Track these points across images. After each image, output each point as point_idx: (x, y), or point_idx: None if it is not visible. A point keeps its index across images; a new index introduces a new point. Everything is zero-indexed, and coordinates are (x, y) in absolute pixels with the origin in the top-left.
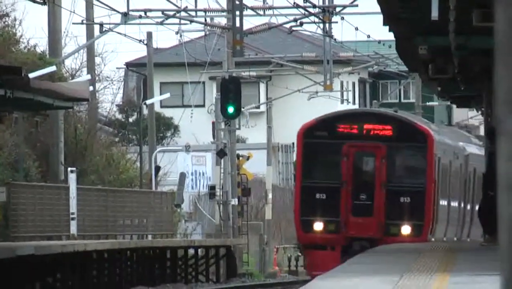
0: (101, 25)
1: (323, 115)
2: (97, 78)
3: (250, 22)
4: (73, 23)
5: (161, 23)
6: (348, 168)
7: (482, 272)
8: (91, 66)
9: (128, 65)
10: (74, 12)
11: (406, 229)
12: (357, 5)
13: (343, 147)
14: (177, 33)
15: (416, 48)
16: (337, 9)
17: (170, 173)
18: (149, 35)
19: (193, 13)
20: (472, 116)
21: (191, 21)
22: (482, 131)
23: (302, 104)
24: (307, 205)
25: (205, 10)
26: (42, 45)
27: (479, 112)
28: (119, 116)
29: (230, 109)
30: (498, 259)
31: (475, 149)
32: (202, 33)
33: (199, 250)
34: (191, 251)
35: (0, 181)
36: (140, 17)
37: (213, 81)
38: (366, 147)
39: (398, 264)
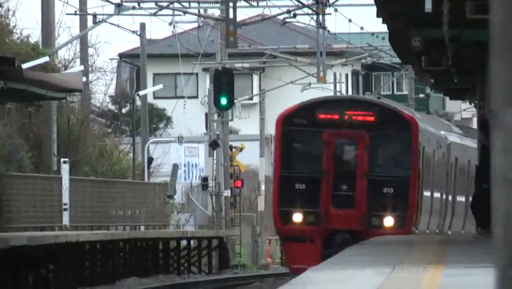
0: (95, 16)
1: (303, 101)
2: (90, 69)
3: (243, 13)
4: (67, 14)
5: (155, 14)
6: (329, 157)
7: (475, 264)
8: (84, 57)
9: (121, 56)
10: (67, 3)
11: (389, 221)
12: None
13: (324, 135)
14: (170, 24)
15: (409, 40)
16: (331, 1)
17: (163, 164)
18: (143, 26)
19: (186, 4)
20: (465, 108)
21: (185, 12)
22: (475, 124)
23: (295, 96)
24: (285, 195)
25: (198, 1)
26: (35, 36)
27: (472, 105)
28: (112, 107)
29: (223, 101)
30: (491, 252)
31: (456, 138)
32: (196, 24)
33: (192, 241)
34: (184, 242)
35: None
36: (134, 8)
37: (206, 73)
38: (348, 135)
39: (390, 255)
